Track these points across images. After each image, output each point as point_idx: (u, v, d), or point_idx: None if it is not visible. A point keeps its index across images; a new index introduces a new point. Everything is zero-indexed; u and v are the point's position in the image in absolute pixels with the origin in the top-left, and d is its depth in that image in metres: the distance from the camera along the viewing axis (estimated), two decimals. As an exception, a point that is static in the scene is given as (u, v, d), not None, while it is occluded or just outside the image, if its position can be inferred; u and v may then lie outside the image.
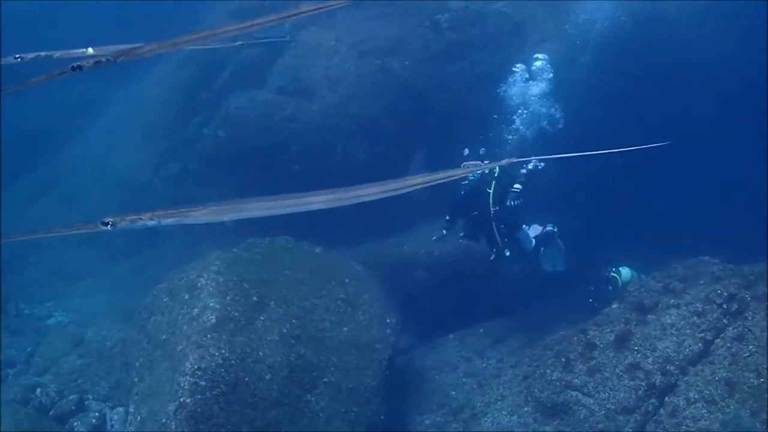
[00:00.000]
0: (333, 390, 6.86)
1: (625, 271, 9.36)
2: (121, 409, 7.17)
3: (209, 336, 6.42)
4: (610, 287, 9.14)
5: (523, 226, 8.52)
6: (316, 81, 10.57)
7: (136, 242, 11.35)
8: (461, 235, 8.58)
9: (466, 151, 8.11)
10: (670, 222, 9.47)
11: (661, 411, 6.04)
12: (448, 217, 8.59)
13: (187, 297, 7.12)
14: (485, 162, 8.00)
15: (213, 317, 6.60)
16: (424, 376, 8.56)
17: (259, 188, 10.85)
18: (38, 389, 7.53)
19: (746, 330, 6.13)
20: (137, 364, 7.13)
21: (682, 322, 6.54)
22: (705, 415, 5.67)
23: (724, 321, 6.42)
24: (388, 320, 8.05)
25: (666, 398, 6.12)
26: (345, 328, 7.49)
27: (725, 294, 6.56)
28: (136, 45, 3.87)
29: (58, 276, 10.80)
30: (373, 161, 10.45)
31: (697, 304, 6.60)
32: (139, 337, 7.44)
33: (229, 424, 5.91)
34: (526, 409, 6.88)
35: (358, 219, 9.28)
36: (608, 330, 6.86)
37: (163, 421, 5.92)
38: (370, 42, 10.40)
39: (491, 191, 8.24)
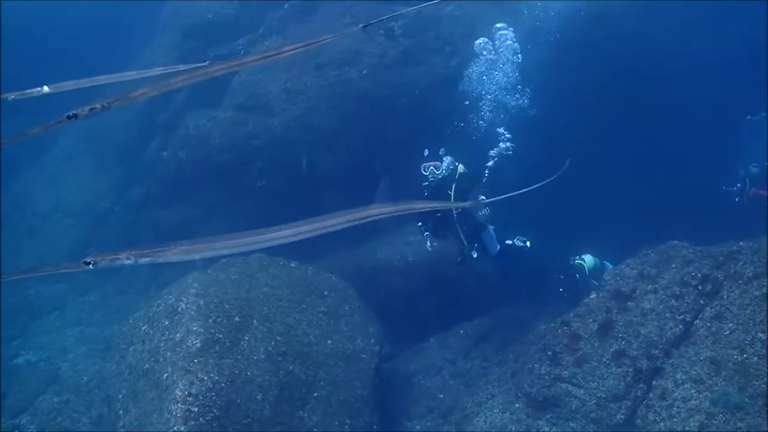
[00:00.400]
0: (324, 404, 6.81)
1: (589, 258, 9.62)
2: (106, 445, 6.97)
3: (196, 361, 6.29)
4: (577, 275, 9.38)
5: (489, 227, 8.52)
6: (274, 95, 10.50)
7: (100, 274, 11.05)
8: (426, 234, 8.48)
9: (426, 152, 8.19)
10: (635, 211, 9.71)
11: (651, 395, 6.18)
12: (420, 223, 8.56)
13: (167, 323, 6.96)
14: (445, 161, 8.14)
15: (197, 341, 6.47)
16: (409, 382, 8.56)
17: (226, 208, 10.79)
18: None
19: (724, 309, 6.32)
20: (120, 396, 6.93)
21: (661, 306, 6.71)
22: (694, 395, 5.82)
23: (701, 302, 6.62)
24: (370, 329, 8.04)
25: (654, 382, 6.28)
26: (329, 341, 7.45)
27: (699, 275, 6.76)
28: (131, 91, 3.93)
29: (22, 313, 10.43)
30: (337, 172, 10.43)
31: (674, 288, 6.79)
32: (119, 368, 7.23)
33: (226, 449, 5.80)
34: (517, 405, 6.95)
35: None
36: (591, 320, 6.99)
37: (157, 451, 5.76)
38: (327, 53, 10.39)
39: (452, 193, 8.17)
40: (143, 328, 7.27)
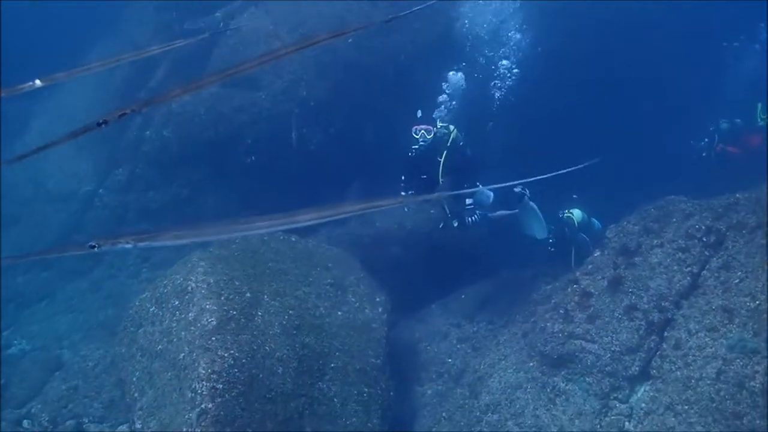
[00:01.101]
0: (341, 374, 6.82)
1: (577, 212, 9.77)
2: (124, 428, 6.86)
3: (214, 338, 6.22)
4: (566, 229, 9.52)
5: (479, 186, 8.22)
6: (259, 69, 10.25)
7: (88, 259, 10.80)
8: (411, 192, 8.18)
9: (419, 113, 8.04)
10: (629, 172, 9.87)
11: (664, 345, 6.33)
12: (403, 177, 8.31)
13: (177, 303, 6.86)
14: (439, 126, 8.01)
15: (213, 319, 6.39)
16: (415, 349, 8.64)
17: (214, 185, 10.62)
18: (25, 421, 7.11)
19: (730, 258, 6.48)
20: (134, 379, 6.83)
21: (669, 260, 6.85)
22: (709, 342, 5.98)
23: (706, 253, 6.77)
24: (377, 299, 8.05)
25: (665, 333, 6.44)
26: (339, 312, 7.44)
27: (703, 228, 6.91)
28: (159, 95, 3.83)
29: (10, 303, 10.15)
30: (327, 144, 10.34)
31: (679, 241, 6.93)
32: (130, 351, 7.12)
33: (254, 423, 5.78)
34: (531, 364, 7.07)
35: (321, 203, 9.20)
36: (599, 277, 7.11)
37: (185, 430, 5.71)
38: (310, 23, 10.21)
39: (441, 160, 8.06)
40: (151, 309, 7.16)
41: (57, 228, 10.96)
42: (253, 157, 10.15)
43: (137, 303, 7.42)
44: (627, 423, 6.22)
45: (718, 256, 6.66)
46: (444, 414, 7.42)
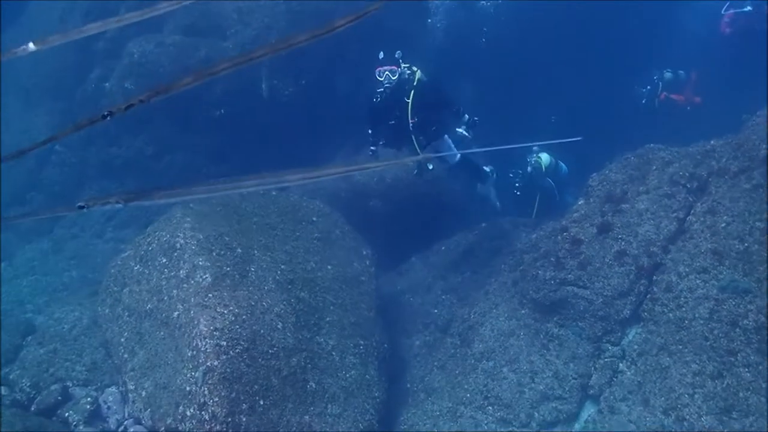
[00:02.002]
0: (337, 328, 6.77)
1: (545, 156, 10.00)
2: (113, 389, 6.61)
3: (210, 295, 6.05)
4: (530, 170, 9.72)
5: (445, 136, 8.25)
6: (226, 16, 9.86)
7: (47, 219, 10.29)
8: (381, 143, 8.05)
9: (381, 54, 7.78)
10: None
11: (655, 289, 6.52)
12: (370, 131, 8.08)
13: (165, 260, 6.62)
14: (402, 67, 7.74)
15: (207, 275, 6.20)
16: (398, 301, 8.65)
17: (181, 140, 10.21)
18: (2, 388, 6.78)
19: (715, 203, 6.66)
20: (122, 340, 6.60)
21: (655, 206, 7.01)
22: (700, 284, 6.18)
23: (690, 199, 6.96)
24: (363, 252, 7.99)
25: (655, 277, 6.62)
26: (329, 266, 7.35)
27: (687, 174, 7.09)
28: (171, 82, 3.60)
29: (-34, 266, 9.63)
30: (298, 96, 10.06)
31: (664, 187, 7.09)
32: (114, 312, 6.85)
33: (260, 379, 5.68)
34: (523, 311, 7.17)
35: (293, 157, 9.01)
36: (588, 225, 7.22)
37: (188, 389, 5.56)
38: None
39: (410, 101, 7.78)
40: (136, 268, 6.89)
41: (11, 187, 10.35)
42: (222, 110, 9.80)
43: (119, 262, 7.13)
44: (620, 364, 6.42)
45: (702, 201, 6.84)
46: (436, 363, 7.49)
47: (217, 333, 5.68)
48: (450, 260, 8.81)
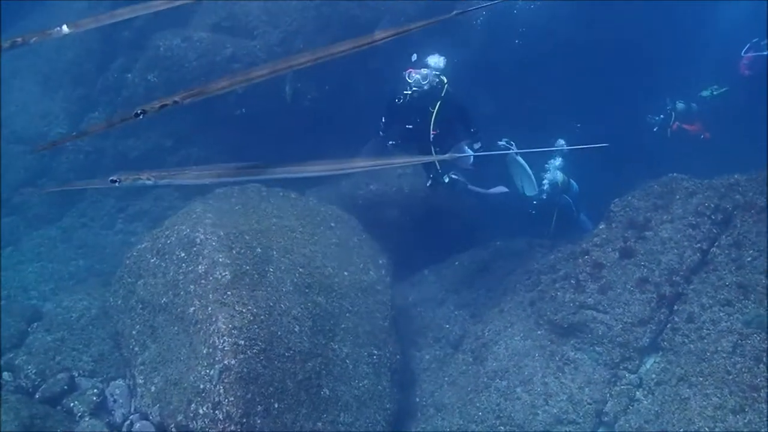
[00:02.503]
0: (352, 335, 6.68)
1: (559, 174, 9.93)
2: (120, 382, 6.49)
3: (229, 293, 5.95)
4: (546, 186, 9.65)
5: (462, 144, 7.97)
6: (254, 16, 9.82)
7: (56, 206, 10.17)
8: (390, 143, 7.91)
9: (414, 57, 7.63)
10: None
11: (676, 319, 6.45)
12: (383, 119, 7.96)
13: (183, 255, 6.52)
14: (432, 72, 7.58)
15: (226, 273, 6.11)
16: (409, 314, 8.56)
17: (199, 136, 10.15)
18: (6, 373, 6.64)
19: (741, 237, 6.63)
20: (134, 333, 6.49)
21: (679, 235, 6.96)
22: (724, 317, 6.13)
23: (714, 231, 6.92)
24: (380, 261, 7.91)
25: (676, 307, 6.56)
26: (346, 273, 7.26)
27: (712, 206, 7.05)
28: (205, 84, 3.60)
29: (-29, 248, 9.49)
30: (321, 101, 10.02)
31: (689, 217, 7.04)
32: (127, 303, 6.74)
33: (275, 382, 5.57)
34: (539, 332, 7.09)
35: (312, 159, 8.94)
36: (610, 249, 7.17)
37: (202, 386, 5.45)
38: (311, -26, 9.80)
39: (435, 111, 7.61)
40: (152, 260, 6.79)
41: (22, 171, 10.23)
42: (243, 110, 9.73)
43: (135, 253, 7.02)
44: (637, 392, 6.34)
45: (727, 234, 6.81)
46: (446, 379, 7.39)
47: (236, 331, 5.58)
48: (464, 275, 8.74)
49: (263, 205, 7.67)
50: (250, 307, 5.86)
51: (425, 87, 7.54)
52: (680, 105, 11.72)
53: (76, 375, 6.64)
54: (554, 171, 9.97)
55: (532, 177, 8.79)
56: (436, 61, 7.79)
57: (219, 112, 9.78)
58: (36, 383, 6.46)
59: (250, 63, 9.63)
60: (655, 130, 11.63)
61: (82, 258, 9.75)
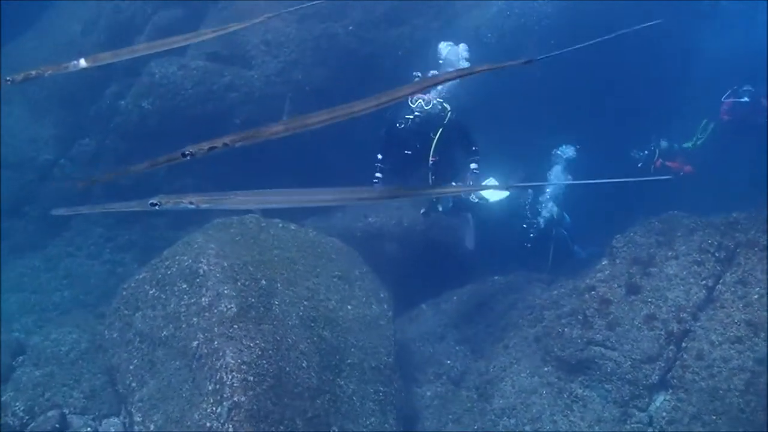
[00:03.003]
0: (358, 371, 6.50)
1: (553, 205, 9.94)
2: (115, 420, 6.20)
3: (236, 327, 5.76)
4: (542, 220, 9.63)
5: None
6: (253, 46, 9.77)
7: (41, 234, 9.89)
8: (388, 168, 7.60)
9: (418, 77, 7.31)
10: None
11: (685, 356, 6.40)
12: (380, 156, 7.69)
13: (185, 287, 6.32)
14: (436, 98, 7.43)
15: (232, 305, 5.92)
16: (408, 349, 8.38)
17: (194, 165, 9.88)
18: (-9, 411, 6.32)
19: (746, 275, 6.63)
20: (131, 368, 6.23)
21: (684, 272, 6.94)
22: (734, 355, 6.09)
23: (719, 268, 6.93)
24: (381, 295, 7.76)
25: (684, 344, 6.51)
26: (349, 306, 7.11)
27: (715, 243, 7.08)
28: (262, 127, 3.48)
29: (-49, 277, 9.13)
30: (318, 131, 9.91)
31: (694, 254, 7.04)
32: (124, 337, 6.49)
33: (285, 420, 5.36)
34: (546, 369, 6.98)
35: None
36: (616, 285, 7.13)
37: (208, 425, 5.22)
38: (310, 5, 9.79)
39: (436, 138, 7.48)
40: (151, 292, 6.57)
41: (6, 198, 9.93)
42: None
43: (132, 284, 6.79)
44: (649, 430, 6.24)
45: (732, 271, 6.81)
46: (450, 416, 7.22)
47: (245, 367, 5.39)
48: (463, 310, 8.63)
49: (263, 236, 7.50)
50: (258, 342, 5.67)
51: (428, 111, 7.41)
52: (664, 143, 11.90)
53: (68, 412, 6.35)
54: (548, 204, 9.99)
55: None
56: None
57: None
58: (24, 421, 6.18)
59: (248, 93, 9.57)
60: (639, 165, 11.77)
61: (67, 288, 9.48)
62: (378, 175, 7.70)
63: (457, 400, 7.39)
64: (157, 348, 6.15)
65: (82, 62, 4.20)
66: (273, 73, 9.59)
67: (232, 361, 5.39)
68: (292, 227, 8.04)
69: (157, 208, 3.38)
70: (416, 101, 7.47)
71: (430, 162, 7.54)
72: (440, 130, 7.54)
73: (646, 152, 11.81)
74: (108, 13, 10.06)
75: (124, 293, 6.81)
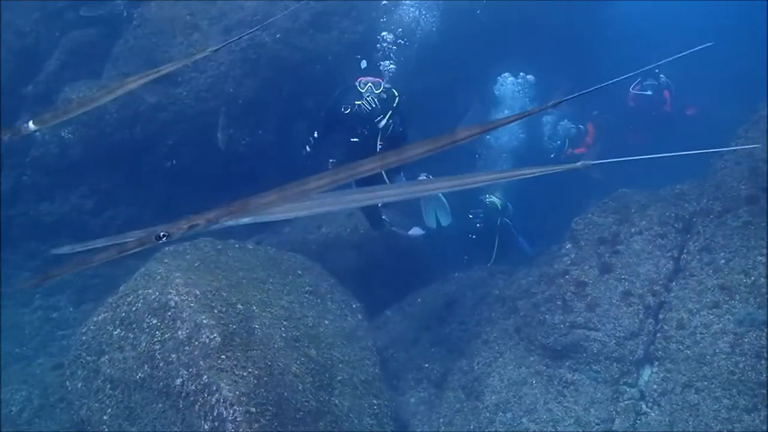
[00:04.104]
0: (349, 387, 6.22)
1: (498, 196, 9.99)
2: (91, 482, 5.62)
3: (223, 357, 5.34)
4: (481, 212, 9.64)
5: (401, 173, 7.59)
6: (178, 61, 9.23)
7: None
8: (332, 161, 7.32)
9: (364, 63, 7.30)
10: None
11: (665, 327, 6.54)
12: (315, 135, 7.43)
13: (155, 321, 5.81)
14: (384, 82, 7.26)
15: (215, 335, 5.49)
16: (382, 357, 8.10)
17: (125, 194, 9.32)
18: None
19: (707, 241, 6.85)
20: (105, 418, 5.65)
21: (650, 246, 7.12)
22: (714, 320, 6.25)
23: (679, 238, 7.17)
24: (353, 305, 7.52)
25: (661, 315, 6.66)
26: (326, 321, 6.81)
27: (673, 215, 7.32)
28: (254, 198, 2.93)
29: None
30: (256, 146, 9.54)
31: (656, 228, 7.24)
32: (91, 386, 5.88)
33: (294, 449, 5.02)
34: (532, 358, 6.96)
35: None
36: (587, 267, 7.21)
37: (213, 467, 4.80)
38: (233, 14, 9.38)
39: (383, 122, 7.21)
40: (116, 332, 6.01)
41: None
42: (174, 161, 9.06)
43: (92, 327, 6.19)
44: (643, 405, 6.32)
45: (693, 240, 7.04)
46: (441, 420, 7.06)
47: (245, 398, 4.99)
48: (431, 311, 8.50)
49: (223, 258, 7.07)
50: (250, 370, 5.29)
51: (378, 97, 7.16)
52: (572, 130, 12.15)
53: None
54: (492, 195, 10.02)
55: (447, 206, 8.57)
56: (387, 67, 7.48)
57: (147, 166, 9.05)
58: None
59: (178, 111, 9.03)
60: (552, 156, 11.94)
61: (5, 340, 8.56)
62: (307, 148, 7.44)
63: (444, 402, 7.24)
64: (132, 392, 5.61)
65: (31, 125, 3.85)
66: (203, 89, 9.09)
67: (230, 394, 4.98)
68: (250, 246, 7.65)
69: (164, 240, 2.67)
70: (365, 85, 7.18)
71: (379, 146, 7.23)
72: (390, 113, 7.25)
73: (558, 142, 12.00)
74: (10, 39, 9.22)
75: (84, 338, 6.19)
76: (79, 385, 5.98)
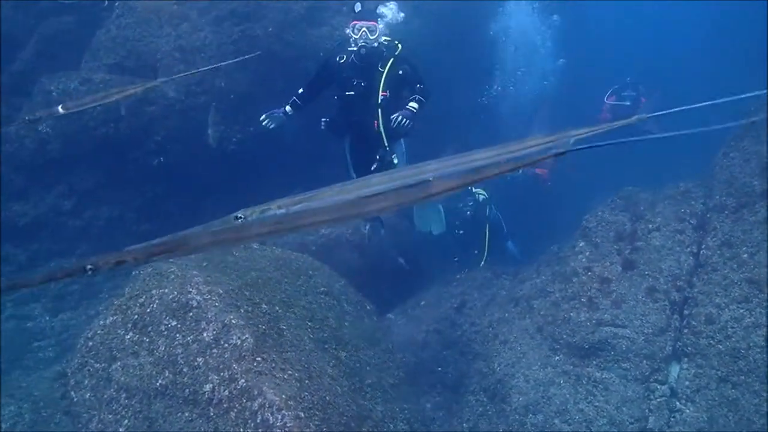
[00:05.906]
0: (380, 391, 5.86)
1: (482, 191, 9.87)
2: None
3: (259, 359, 4.91)
4: (471, 201, 9.52)
5: (401, 140, 7.12)
6: (165, 53, 8.71)
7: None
8: (324, 120, 6.85)
9: (358, 6, 6.63)
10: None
11: (693, 322, 6.45)
12: (300, 91, 6.92)
13: (175, 323, 5.32)
14: (380, 22, 6.67)
15: (247, 336, 5.05)
16: (389, 363, 7.81)
17: (107, 193, 8.71)
18: None
19: (728, 236, 6.84)
20: (121, 430, 5.12)
21: (670, 242, 7.06)
22: (745, 314, 6.21)
23: (695, 235, 7.14)
24: (368, 307, 7.15)
25: (686, 311, 6.58)
26: (346, 323, 6.43)
27: (688, 211, 7.29)
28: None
29: None
30: (246, 143, 9.09)
31: (674, 224, 7.20)
32: (102, 395, 5.32)
33: (345, 456, 4.63)
34: (557, 357, 6.76)
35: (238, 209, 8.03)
36: (608, 263, 7.08)
37: (261, 480, 4.35)
38: (223, 5, 8.94)
39: (385, 70, 6.66)
40: (128, 337, 5.47)
41: None
42: (161, 158, 8.51)
43: (99, 331, 5.62)
44: (677, 403, 6.19)
45: (711, 236, 7.02)
46: (465, 425, 6.77)
47: (292, 402, 4.57)
48: (438, 313, 8.22)
49: (231, 258, 6.59)
50: (290, 372, 4.87)
51: (375, 43, 6.60)
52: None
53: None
54: (477, 188, 9.83)
55: (442, 214, 8.37)
56: (390, 11, 6.81)
57: (133, 163, 8.48)
58: None
59: (167, 105, 8.50)
60: (519, 172, 11.89)
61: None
62: (287, 108, 6.95)
63: (466, 406, 6.96)
64: (153, 401, 5.09)
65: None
66: (193, 83, 8.60)
67: (276, 398, 4.55)
68: (255, 246, 7.18)
69: (241, 222, 3.09)
70: (359, 30, 6.58)
71: (380, 98, 6.73)
72: (391, 60, 6.71)
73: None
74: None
75: (90, 344, 5.60)
76: (87, 395, 5.40)
